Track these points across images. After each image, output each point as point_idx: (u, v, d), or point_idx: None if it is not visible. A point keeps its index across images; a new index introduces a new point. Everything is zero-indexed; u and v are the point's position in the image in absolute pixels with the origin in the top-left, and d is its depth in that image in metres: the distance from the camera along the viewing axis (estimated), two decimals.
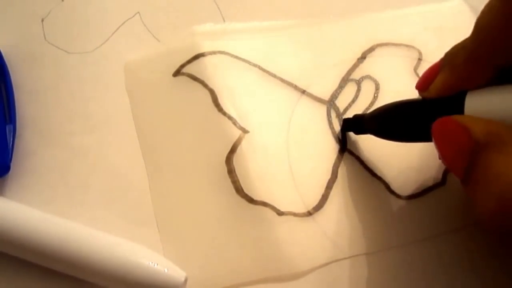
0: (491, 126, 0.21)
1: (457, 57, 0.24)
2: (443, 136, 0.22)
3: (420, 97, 0.27)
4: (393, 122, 0.28)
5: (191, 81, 0.34)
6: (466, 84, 0.23)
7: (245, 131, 0.32)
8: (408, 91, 0.33)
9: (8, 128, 0.32)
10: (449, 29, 0.30)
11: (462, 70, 0.23)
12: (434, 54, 0.34)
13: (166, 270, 0.27)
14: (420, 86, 0.26)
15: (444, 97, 0.24)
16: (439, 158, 0.23)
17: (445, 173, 0.32)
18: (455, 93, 0.23)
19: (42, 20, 0.37)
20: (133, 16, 0.37)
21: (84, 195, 0.31)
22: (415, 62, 0.35)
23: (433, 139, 0.23)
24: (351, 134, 0.32)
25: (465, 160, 0.21)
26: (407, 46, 0.36)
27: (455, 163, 0.21)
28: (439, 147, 0.22)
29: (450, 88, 0.24)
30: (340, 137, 0.32)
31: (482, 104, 0.22)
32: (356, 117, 0.31)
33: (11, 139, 0.32)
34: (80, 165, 0.32)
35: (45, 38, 0.36)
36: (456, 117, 0.22)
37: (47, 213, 0.29)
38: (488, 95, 0.22)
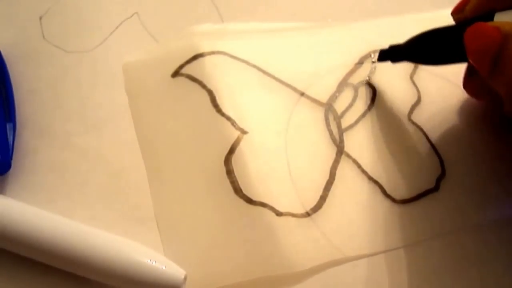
0: None
1: None
2: (475, 36, 0.26)
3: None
4: (430, 46, 0.30)
5: (190, 81, 0.34)
6: (496, 4, 0.27)
7: (244, 131, 0.32)
8: (404, 98, 0.34)
9: (8, 126, 0.32)
10: None
11: None
12: None
13: (164, 268, 0.28)
14: (456, 9, 0.29)
15: (476, 17, 0.27)
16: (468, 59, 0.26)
17: (438, 179, 0.33)
18: (486, 13, 0.27)
19: (40, 18, 0.37)
20: (131, 16, 0.37)
21: (84, 193, 0.31)
22: (411, 69, 0.36)
23: (465, 41, 0.26)
24: (352, 134, 0.33)
25: (494, 53, 0.24)
26: None
27: (484, 58, 0.25)
28: (470, 46, 0.26)
29: (483, 7, 0.27)
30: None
31: (508, 19, 0.26)
32: (393, 46, 0.33)
33: (11, 137, 0.32)
34: (80, 164, 0.32)
35: (43, 36, 0.36)
36: (487, 22, 0.26)
37: (47, 211, 0.29)
38: None
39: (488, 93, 0.30)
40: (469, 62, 0.29)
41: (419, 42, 0.31)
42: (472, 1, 0.28)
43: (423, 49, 0.31)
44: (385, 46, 0.33)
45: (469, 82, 0.33)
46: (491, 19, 0.27)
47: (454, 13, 0.30)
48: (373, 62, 0.36)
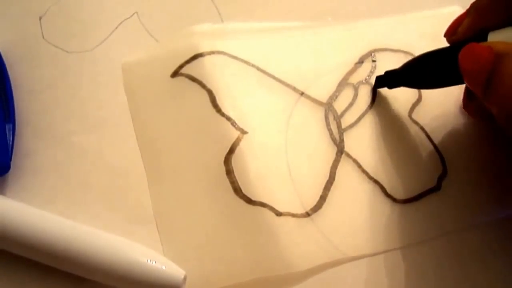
0: (509, 44, 0.25)
1: (481, 1, 0.28)
2: (469, 56, 0.26)
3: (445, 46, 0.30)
4: (425, 70, 0.30)
5: (190, 81, 0.34)
6: (489, 24, 0.27)
7: (243, 132, 0.32)
8: (405, 97, 0.34)
9: (7, 127, 0.32)
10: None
11: (486, 12, 0.27)
12: None
13: (164, 268, 0.28)
14: (449, 31, 0.30)
15: (470, 38, 0.27)
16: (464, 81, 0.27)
17: (440, 179, 0.32)
18: (478, 33, 0.27)
19: (40, 18, 0.37)
20: (131, 16, 0.37)
21: (84, 194, 0.31)
22: None
23: (459, 62, 0.26)
24: (352, 133, 0.33)
25: (487, 72, 0.25)
26: (404, 52, 0.36)
27: (478, 79, 0.25)
28: (464, 66, 0.26)
29: (475, 29, 0.28)
30: (374, 90, 0.35)
31: (501, 38, 0.26)
32: (388, 72, 0.33)
33: (11, 138, 0.32)
34: (79, 164, 0.32)
35: (43, 36, 0.36)
36: (480, 43, 0.26)
37: (46, 212, 0.29)
38: (506, 33, 0.26)
39: (489, 115, 0.30)
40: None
41: (414, 66, 0.31)
42: (464, 22, 0.29)
43: (419, 73, 0.31)
44: (394, 48, 0.33)
45: (469, 104, 0.33)
46: (485, 39, 0.27)
47: (447, 35, 0.30)
48: (373, 61, 0.35)
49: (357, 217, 0.31)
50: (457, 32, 0.29)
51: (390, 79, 0.33)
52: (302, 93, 0.35)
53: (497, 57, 0.24)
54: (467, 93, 0.33)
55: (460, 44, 0.27)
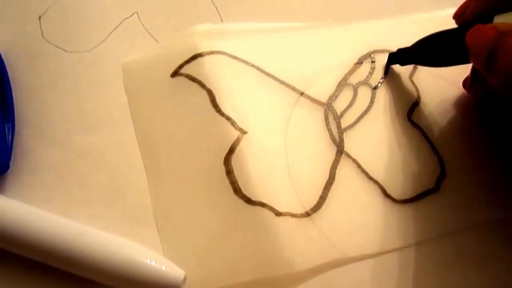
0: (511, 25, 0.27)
1: None
2: (475, 34, 0.28)
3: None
4: (435, 48, 0.32)
5: (189, 81, 0.34)
6: (494, 7, 0.29)
7: (243, 132, 0.32)
8: (404, 98, 0.34)
9: (7, 126, 0.32)
10: None
11: None
12: None
13: (163, 268, 0.28)
14: (457, 13, 0.31)
15: (477, 19, 0.29)
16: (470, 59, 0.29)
17: (438, 179, 0.33)
18: (485, 15, 0.29)
19: (40, 18, 0.36)
20: (131, 16, 0.37)
21: (83, 193, 0.31)
22: (410, 69, 0.36)
23: (466, 40, 0.28)
24: (351, 133, 0.33)
25: (489, 47, 0.27)
26: None
27: (481, 53, 0.27)
28: (471, 43, 0.28)
29: (482, 11, 0.29)
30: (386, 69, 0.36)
31: (505, 21, 0.28)
32: (401, 50, 0.34)
33: (10, 137, 0.32)
34: (79, 164, 0.32)
35: (42, 36, 0.36)
36: (486, 24, 0.28)
37: (46, 211, 0.29)
38: (509, 16, 0.28)
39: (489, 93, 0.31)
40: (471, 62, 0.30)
41: (425, 44, 0.32)
42: (471, 4, 0.30)
43: (430, 51, 0.32)
44: (393, 49, 0.33)
45: (472, 86, 0.34)
46: (491, 21, 0.28)
47: (456, 17, 0.32)
48: (372, 62, 0.36)
49: (357, 217, 0.31)
50: (465, 14, 0.31)
51: (402, 56, 0.34)
52: (302, 93, 0.35)
53: (500, 35, 0.27)
54: (472, 76, 0.34)
55: (468, 24, 0.29)
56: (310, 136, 0.33)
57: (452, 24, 0.31)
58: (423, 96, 0.35)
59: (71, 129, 0.33)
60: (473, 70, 0.33)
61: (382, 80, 0.35)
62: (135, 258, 0.28)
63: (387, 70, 0.36)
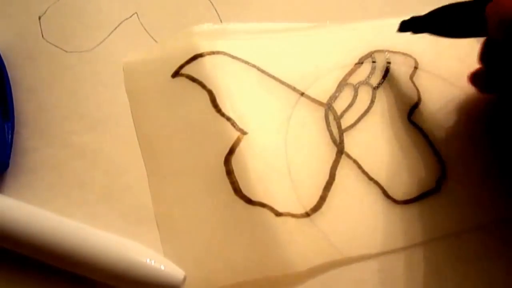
0: None
1: None
2: (496, 9, 0.28)
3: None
4: (452, 18, 0.31)
5: (190, 81, 0.34)
6: None
7: (243, 132, 0.32)
8: (404, 98, 0.34)
9: (6, 125, 0.32)
10: (445, 40, 0.32)
11: None
12: (430, 63, 0.35)
13: (163, 268, 0.28)
14: None
15: None
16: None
17: (439, 180, 0.32)
18: None
19: (39, 18, 0.36)
20: (131, 16, 0.37)
21: (83, 193, 0.31)
22: (411, 70, 0.36)
23: (487, 11, 0.28)
24: (352, 134, 0.33)
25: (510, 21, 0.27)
26: (403, 54, 0.36)
27: (502, 27, 0.28)
28: (491, 17, 0.28)
29: None
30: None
31: None
32: (414, 18, 0.33)
33: (10, 136, 0.32)
34: (78, 163, 0.32)
35: (42, 36, 0.36)
36: None
37: (45, 210, 0.29)
38: None
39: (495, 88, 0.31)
40: (487, 35, 0.31)
41: (441, 14, 0.32)
42: None
43: (445, 21, 0.32)
44: (394, 49, 0.33)
45: (478, 77, 0.34)
46: None
47: None
48: (373, 62, 0.36)
49: (357, 217, 0.31)
50: None
51: (415, 23, 0.33)
52: (302, 94, 0.35)
53: None
54: (482, 55, 0.33)
55: None
56: (310, 136, 0.33)
57: None
58: (423, 96, 0.35)
59: (71, 129, 0.33)
60: (482, 49, 0.33)
61: (383, 80, 0.35)
62: (135, 257, 0.28)
63: (404, 28, 0.34)
